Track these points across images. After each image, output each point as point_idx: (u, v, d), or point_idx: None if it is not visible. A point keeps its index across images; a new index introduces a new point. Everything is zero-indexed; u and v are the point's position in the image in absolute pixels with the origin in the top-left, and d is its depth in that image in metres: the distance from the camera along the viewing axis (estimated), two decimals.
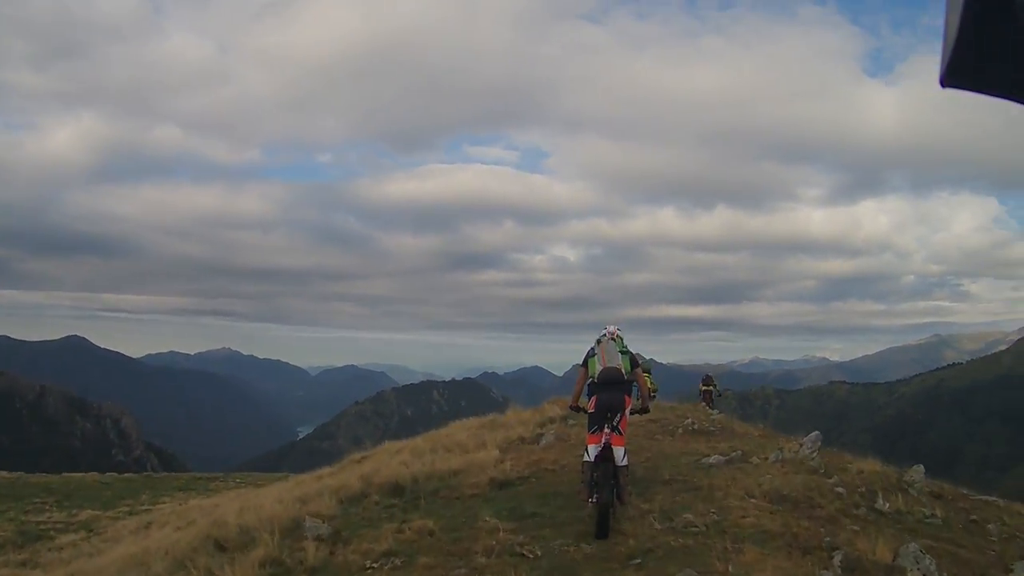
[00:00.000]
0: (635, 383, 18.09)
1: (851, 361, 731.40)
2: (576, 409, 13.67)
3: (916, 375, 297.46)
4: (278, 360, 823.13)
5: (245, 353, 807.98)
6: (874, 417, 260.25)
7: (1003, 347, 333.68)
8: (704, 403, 33.86)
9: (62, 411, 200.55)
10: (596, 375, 12.58)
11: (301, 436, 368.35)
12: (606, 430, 11.82)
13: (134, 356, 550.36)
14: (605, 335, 13.32)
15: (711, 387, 38.30)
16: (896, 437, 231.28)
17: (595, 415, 11.99)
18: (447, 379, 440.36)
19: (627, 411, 12.27)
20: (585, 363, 13.06)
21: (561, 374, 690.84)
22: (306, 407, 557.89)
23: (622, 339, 12.95)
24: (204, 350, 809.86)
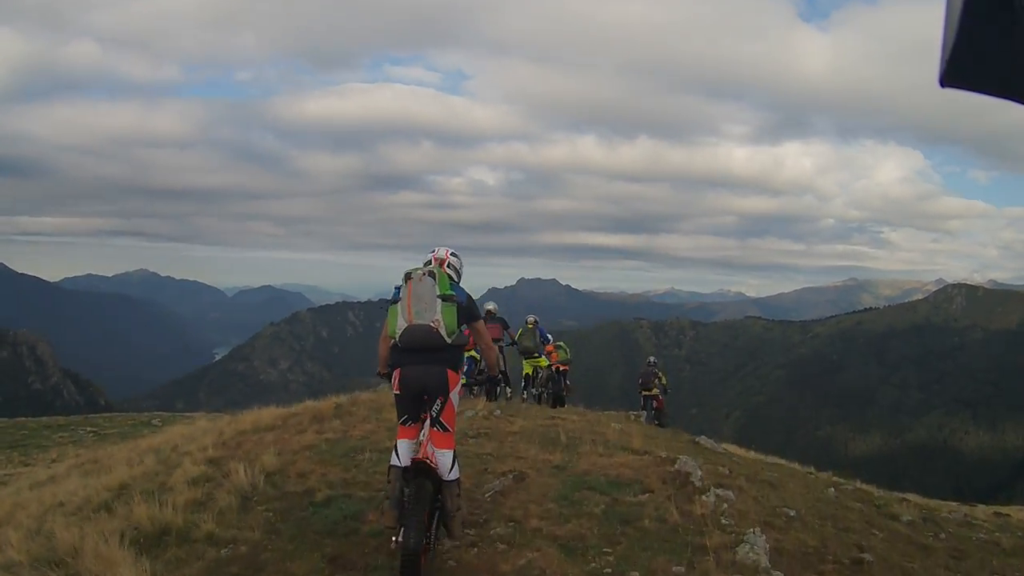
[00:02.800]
0: (473, 349, 18.21)
1: (767, 298, 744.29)
2: (384, 377, 8.89)
3: (832, 316, 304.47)
4: (195, 281, 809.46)
5: (163, 274, 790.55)
6: (788, 354, 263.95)
7: (920, 296, 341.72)
8: (645, 412, 25.24)
9: None
10: (396, 334, 8.07)
11: (218, 358, 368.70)
12: (425, 426, 8.00)
13: (51, 280, 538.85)
14: (420, 270, 8.27)
15: (655, 385, 26.93)
16: (810, 376, 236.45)
17: (402, 398, 7.97)
18: (363, 299, 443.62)
19: (453, 394, 7.94)
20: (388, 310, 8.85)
21: (477, 296, 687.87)
22: (223, 329, 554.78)
23: (453, 274, 8.47)
24: (121, 272, 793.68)
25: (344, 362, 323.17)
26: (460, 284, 8.46)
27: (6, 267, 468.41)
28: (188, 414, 39.22)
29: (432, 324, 7.77)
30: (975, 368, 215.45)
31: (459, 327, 7.84)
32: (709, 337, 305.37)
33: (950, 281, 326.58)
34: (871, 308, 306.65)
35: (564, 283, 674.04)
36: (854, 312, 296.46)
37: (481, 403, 18.04)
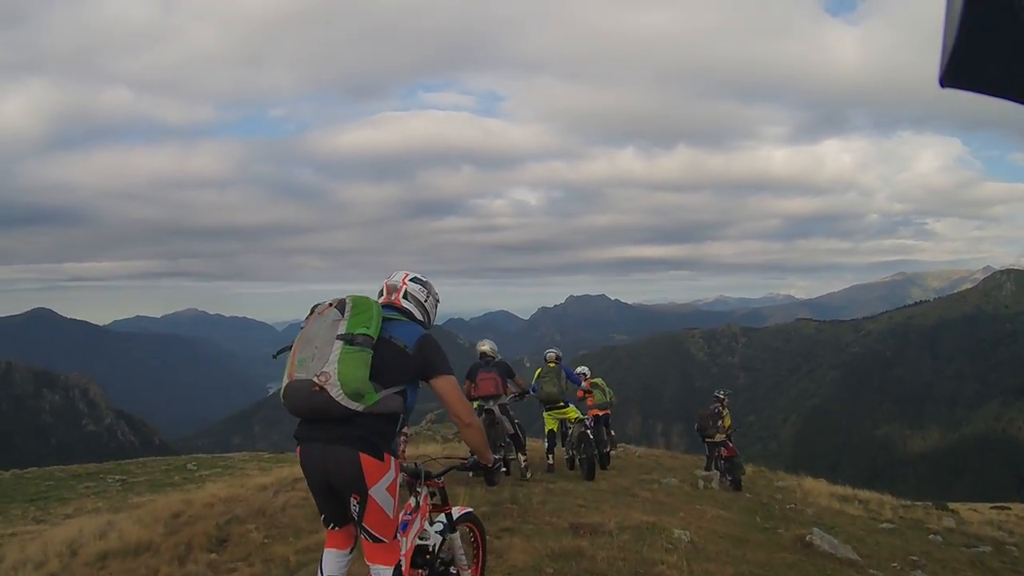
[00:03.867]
0: (480, 399, 16.11)
1: (816, 299, 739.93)
2: None
3: (883, 312, 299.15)
4: (244, 317, 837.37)
5: (211, 313, 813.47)
6: (841, 355, 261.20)
7: (968, 285, 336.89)
8: (713, 468, 21.29)
9: (28, 386, 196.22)
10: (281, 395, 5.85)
11: (271, 392, 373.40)
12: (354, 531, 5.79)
13: (101, 324, 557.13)
14: (330, 302, 6.16)
15: (719, 430, 21.46)
16: (864, 374, 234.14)
17: (312, 489, 5.73)
18: None
19: (376, 490, 5.39)
20: None
21: (527, 317, 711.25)
22: (275, 363, 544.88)
23: (413, 308, 6.17)
24: (170, 312, 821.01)
25: None
26: (423, 322, 6.18)
27: (55, 313, 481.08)
28: (226, 455, 39.67)
29: (317, 379, 5.36)
30: None
31: (390, 383, 5.42)
32: (761, 342, 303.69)
33: (997, 267, 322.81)
34: (921, 301, 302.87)
35: (613, 298, 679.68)
36: (904, 307, 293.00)
37: (478, 488, 14.02)
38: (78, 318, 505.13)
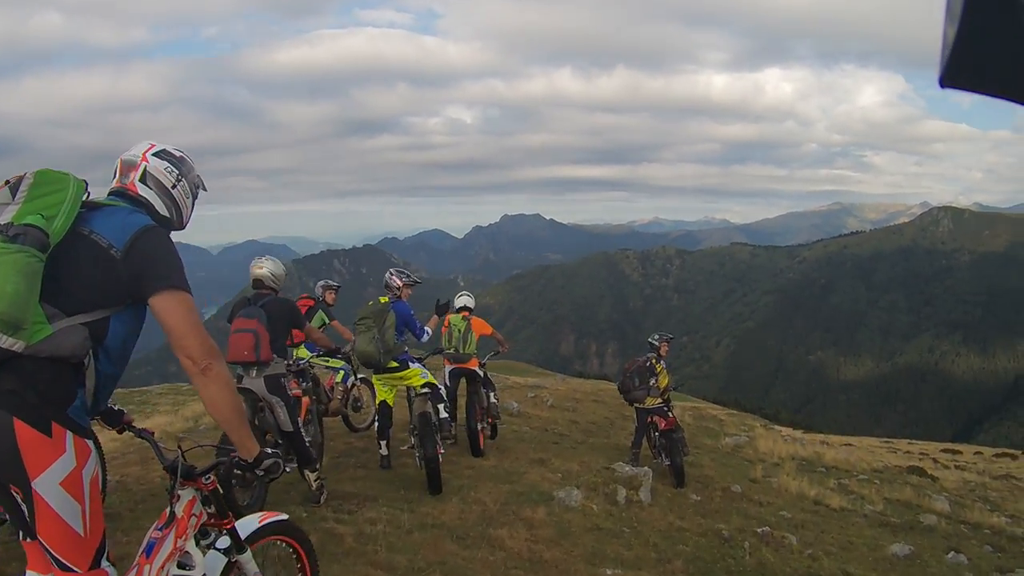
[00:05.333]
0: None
1: (752, 224, 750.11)
2: None
3: (818, 240, 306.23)
4: (177, 242, 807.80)
5: None
6: (776, 280, 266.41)
7: (905, 219, 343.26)
8: (637, 450, 14.40)
9: None
10: None
11: (207, 317, 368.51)
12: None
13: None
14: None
15: (652, 391, 14.26)
16: (798, 301, 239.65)
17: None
18: (348, 247, 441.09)
19: (43, 480, 3.27)
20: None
21: (461, 236, 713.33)
22: (210, 287, 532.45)
23: (151, 192, 3.92)
24: None
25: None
26: (168, 218, 4.02)
27: None
28: (146, 388, 37.18)
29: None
30: (963, 291, 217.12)
31: (79, 307, 3.46)
32: (696, 265, 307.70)
33: (935, 204, 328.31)
34: (857, 232, 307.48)
35: (548, 217, 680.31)
36: (840, 236, 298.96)
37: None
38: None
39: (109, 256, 3.46)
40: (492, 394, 13.59)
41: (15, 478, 3.18)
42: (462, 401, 13.54)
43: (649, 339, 15.22)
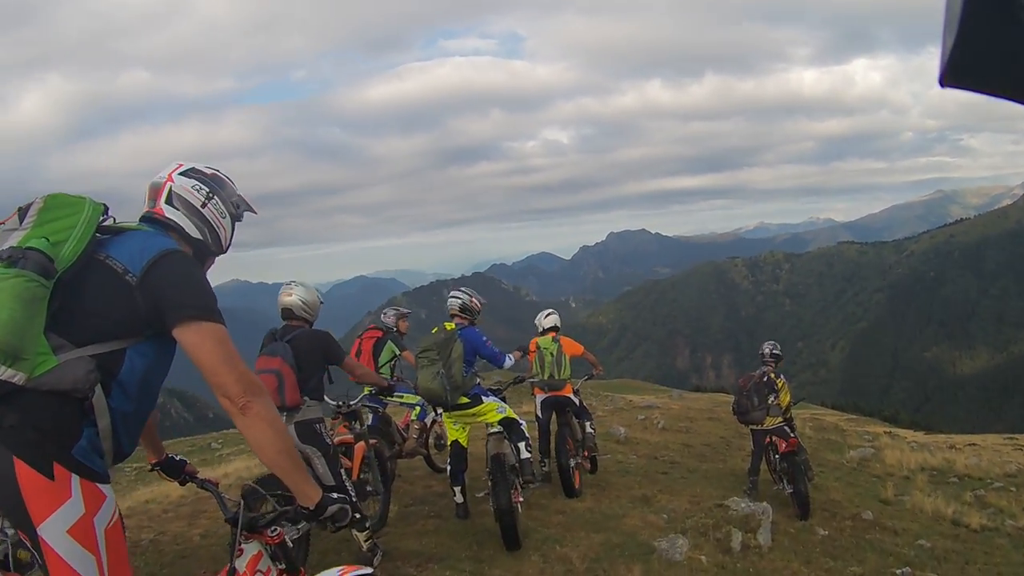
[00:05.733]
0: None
1: (857, 220, 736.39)
2: None
3: (924, 232, 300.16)
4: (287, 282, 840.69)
5: (254, 281, 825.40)
6: (885, 276, 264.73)
7: (1008, 201, 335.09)
8: (768, 468, 13.15)
9: None
10: None
11: None
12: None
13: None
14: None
15: (772, 409, 12.85)
16: (909, 296, 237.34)
17: None
18: (457, 276, 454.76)
19: (59, 523, 2.88)
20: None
21: (569, 257, 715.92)
22: (321, 324, 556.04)
23: (178, 212, 3.55)
24: (214, 285, 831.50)
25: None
26: (200, 240, 3.60)
27: None
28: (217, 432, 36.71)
29: None
30: None
31: (92, 336, 3.06)
32: (805, 268, 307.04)
33: None
34: (962, 219, 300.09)
35: (653, 231, 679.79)
36: (945, 225, 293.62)
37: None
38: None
39: (124, 282, 3.12)
40: (588, 424, 12.22)
41: (21, 522, 2.89)
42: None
43: (761, 350, 13.73)
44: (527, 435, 9.27)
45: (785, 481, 12.24)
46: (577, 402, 11.99)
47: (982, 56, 1.19)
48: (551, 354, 11.62)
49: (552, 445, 11.63)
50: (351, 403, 8.59)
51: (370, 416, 10.51)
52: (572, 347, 11.94)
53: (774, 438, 12.81)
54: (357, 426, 8.64)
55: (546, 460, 11.80)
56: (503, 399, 9.93)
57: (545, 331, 12.22)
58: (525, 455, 9.12)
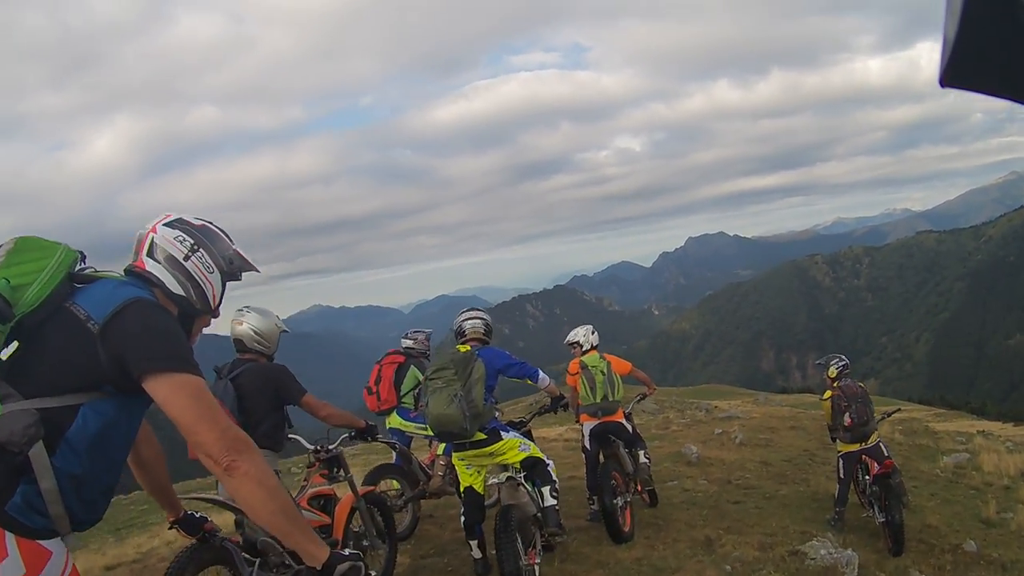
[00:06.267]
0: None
1: (934, 208, 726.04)
2: None
3: (1001, 215, 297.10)
4: (370, 305, 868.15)
5: (336, 306, 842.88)
6: (966, 263, 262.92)
7: None
8: (855, 490, 11.60)
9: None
10: None
11: None
12: None
13: (229, 335, 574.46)
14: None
15: (871, 410, 11.18)
16: (990, 282, 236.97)
17: None
18: (538, 290, 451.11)
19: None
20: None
21: (649, 264, 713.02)
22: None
23: (158, 263, 3.19)
24: (297, 311, 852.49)
25: (531, 354, 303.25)
26: (184, 297, 3.19)
27: None
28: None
29: None
30: None
31: (48, 388, 2.73)
32: (885, 261, 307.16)
33: None
34: None
35: (732, 233, 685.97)
36: (1022, 207, 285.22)
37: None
38: (206, 332, 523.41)
39: (86, 330, 2.79)
40: (643, 452, 10.59)
41: None
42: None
43: (821, 361, 12.31)
44: (555, 478, 7.62)
45: (876, 508, 10.67)
46: (630, 428, 10.45)
47: (982, 56, 1.04)
48: (601, 372, 10.03)
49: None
50: (330, 447, 7.04)
51: (393, 454, 9.84)
52: (621, 365, 10.52)
53: (866, 458, 11.21)
54: (340, 474, 7.01)
55: (594, 497, 9.91)
56: (528, 434, 8.70)
57: (585, 350, 10.61)
58: (550, 502, 7.44)
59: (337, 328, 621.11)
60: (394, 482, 9.83)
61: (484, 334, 8.65)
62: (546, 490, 7.51)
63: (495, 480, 7.70)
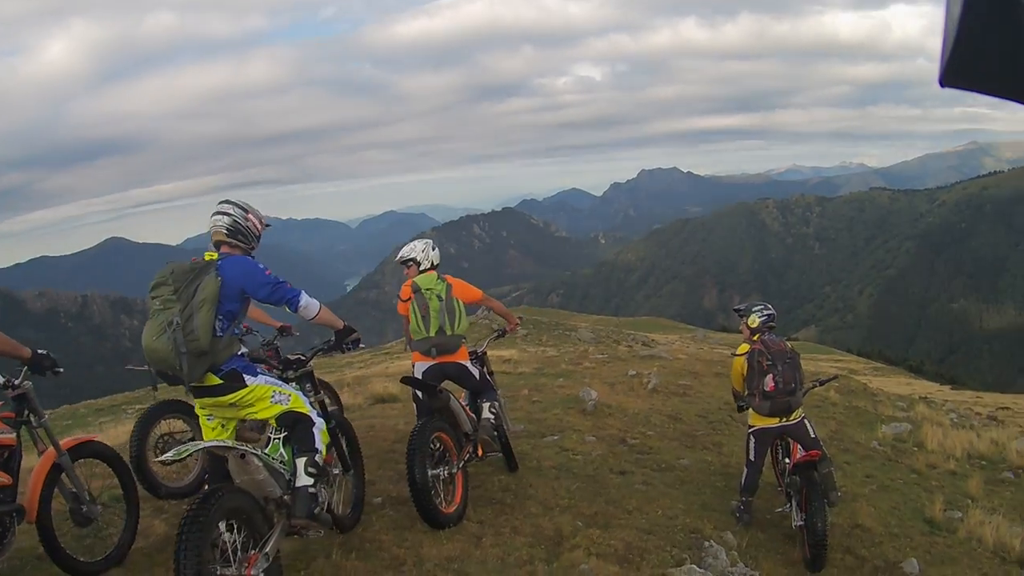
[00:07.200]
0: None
1: (890, 167, 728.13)
2: None
3: (957, 182, 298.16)
4: (316, 218, 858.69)
5: (284, 217, 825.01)
6: (916, 225, 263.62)
7: None
8: (775, 473, 9.54)
9: (107, 315, 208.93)
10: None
11: (349, 288, 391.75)
12: None
13: (174, 244, 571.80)
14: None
15: (799, 377, 8.48)
16: (939, 247, 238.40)
17: None
18: (487, 211, 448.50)
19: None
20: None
21: (599, 194, 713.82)
22: (351, 259, 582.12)
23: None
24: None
25: (474, 275, 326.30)
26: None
27: (127, 240, 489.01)
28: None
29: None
30: None
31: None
32: (836, 212, 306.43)
33: None
34: (995, 172, 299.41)
35: (685, 170, 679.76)
36: (978, 177, 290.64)
37: None
38: (151, 241, 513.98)
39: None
40: (489, 405, 8.33)
41: None
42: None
43: (739, 308, 9.70)
44: (319, 445, 5.73)
45: (795, 504, 8.37)
46: (476, 373, 8.32)
47: (982, 56, 1.06)
48: (438, 298, 7.92)
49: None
50: (15, 381, 5.48)
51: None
52: (467, 291, 8.33)
53: (788, 439, 8.92)
54: (33, 419, 5.54)
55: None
56: (292, 380, 6.36)
57: (422, 269, 8.42)
58: (303, 481, 5.54)
59: (282, 240, 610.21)
60: (179, 421, 7.68)
61: (227, 235, 5.92)
62: (301, 462, 5.62)
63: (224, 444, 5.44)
